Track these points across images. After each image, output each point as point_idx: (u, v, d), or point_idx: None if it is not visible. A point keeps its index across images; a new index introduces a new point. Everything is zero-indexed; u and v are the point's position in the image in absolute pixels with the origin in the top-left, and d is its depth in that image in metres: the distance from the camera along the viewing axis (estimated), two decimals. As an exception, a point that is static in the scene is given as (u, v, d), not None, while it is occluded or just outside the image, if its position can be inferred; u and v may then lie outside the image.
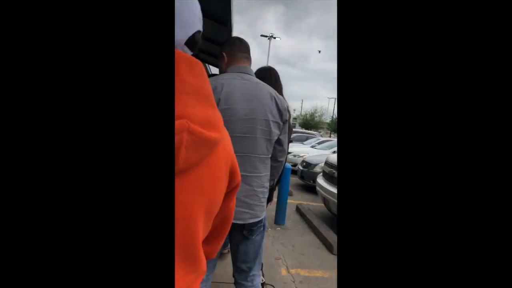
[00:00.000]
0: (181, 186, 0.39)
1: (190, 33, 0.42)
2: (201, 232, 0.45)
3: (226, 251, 2.51)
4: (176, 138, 0.35)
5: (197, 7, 0.43)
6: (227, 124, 1.22)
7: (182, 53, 0.38)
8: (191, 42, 0.43)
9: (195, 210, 0.41)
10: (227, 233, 0.61)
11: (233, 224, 1.22)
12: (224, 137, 0.47)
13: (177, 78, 0.36)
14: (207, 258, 0.54)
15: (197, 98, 0.39)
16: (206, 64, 5.60)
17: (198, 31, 0.43)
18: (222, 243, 0.62)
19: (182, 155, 0.36)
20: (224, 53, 1.38)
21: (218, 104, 1.21)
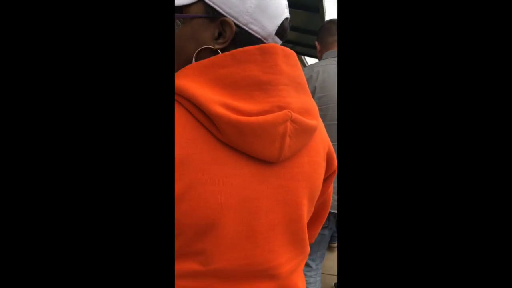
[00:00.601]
0: (285, 172, 0.41)
1: (279, 22, 0.42)
2: (306, 216, 0.46)
3: (334, 245, 2.45)
4: (281, 127, 0.36)
5: None
6: (325, 111, 1.18)
7: (278, 46, 0.39)
8: (281, 31, 0.43)
9: (300, 195, 0.43)
10: (325, 218, 0.62)
11: (340, 215, 1.18)
12: (320, 123, 0.47)
13: (276, 70, 0.38)
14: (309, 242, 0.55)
15: (295, 88, 0.40)
16: (302, 56, 5.57)
17: (286, 18, 0.43)
18: (320, 228, 0.62)
19: (287, 143, 0.37)
20: (316, 42, 1.34)
21: (314, 92, 1.19)
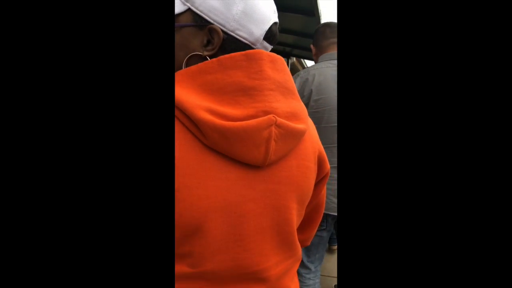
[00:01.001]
0: (273, 176, 0.41)
1: (267, 27, 0.42)
2: (295, 220, 0.46)
3: (335, 247, 2.45)
4: (266, 132, 0.37)
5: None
6: (321, 114, 1.19)
7: (265, 52, 0.40)
8: (269, 36, 0.44)
9: (288, 198, 0.43)
10: (319, 221, 0.61)
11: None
12: (309, 127, 0.47)
13: (262, 76, 0.38)
14: (301, 245, 0.55)
15: (281, 93, 0.40)
16: (302, 59, 5.58)
17: (275, 23, 0.44)
18: (315, 231, 0.62)
19: (272, 148, 0.38)
20: (311, 46, 1.36)
21: (310, 95, 1.20)
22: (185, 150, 0.36)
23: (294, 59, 5.25)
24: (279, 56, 0.42)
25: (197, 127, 0.36)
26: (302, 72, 1.27)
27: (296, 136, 0.41)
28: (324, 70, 1.21)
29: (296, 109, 0.42)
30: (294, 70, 4.90)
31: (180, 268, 0.39)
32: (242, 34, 0.41)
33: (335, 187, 1.15)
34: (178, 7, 0.41)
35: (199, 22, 0.41)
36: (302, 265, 1.29)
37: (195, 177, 0.36)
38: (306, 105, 1.19)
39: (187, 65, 0.42)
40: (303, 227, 0.58)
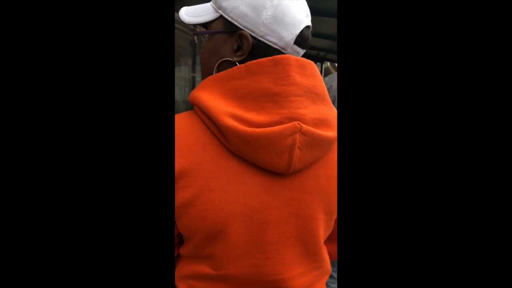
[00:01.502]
0: (298, 185, 0.40)
1: (297, 31, 0.41)
2: (322, 231, 0.44)
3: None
4: (289, 139, 0.36)
5: (302, 2, 0.42)
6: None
7: (292, 57, 0.39)
8: (300, 40, 0.42)
9: (314, 208, 0.42)
10: None
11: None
12: None
13: (289, 81, 0.37)
14: (331, 258, 0.53)
15: (310, 98, 0.39)
16: (336, 64, 5.47)
17: (307, 27, 0.43)
18: None
19: (297, 156, 0.37)
20: None
21: (334, 102, 1.19)
22: (210, 154, 0.37)
23: (328, 63, 5.16)
24: (308, 61, 0.41)
25: (221, 133, 0.37)
26: (327, 78, 1.25)
27: (323, 144, 0.40)
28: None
29: (326, 115, 0.40)
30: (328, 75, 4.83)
31: (203, 269, 0.40)
32: (271, 39, 0.41)
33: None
34: (211, 15, 0.43)
35: (229, 28, 0.41)
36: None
37: (218, 181, 0.37)
38: None
39: (218, 71, 0.43)
40: (333, 239, 0.54)
